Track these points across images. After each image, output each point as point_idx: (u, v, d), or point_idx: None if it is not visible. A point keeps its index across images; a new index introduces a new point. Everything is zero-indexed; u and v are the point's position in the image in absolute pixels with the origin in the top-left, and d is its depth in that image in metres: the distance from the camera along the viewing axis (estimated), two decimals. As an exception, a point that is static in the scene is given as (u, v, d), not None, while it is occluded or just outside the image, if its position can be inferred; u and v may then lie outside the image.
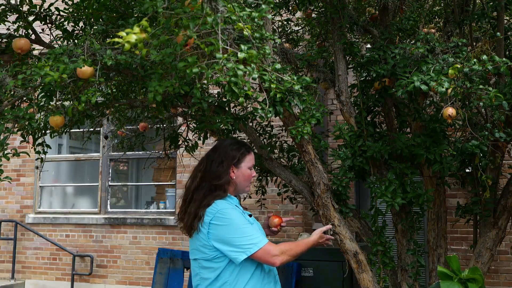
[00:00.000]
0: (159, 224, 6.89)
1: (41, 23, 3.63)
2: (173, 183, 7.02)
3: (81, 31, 3.68)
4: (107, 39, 3.20)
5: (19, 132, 2.98)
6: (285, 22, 4.77)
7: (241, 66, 2.06)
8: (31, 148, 3.23)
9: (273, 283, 2.46)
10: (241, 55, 2.07)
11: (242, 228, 2.27)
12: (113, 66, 2.79)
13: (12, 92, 2.77)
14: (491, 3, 3.37)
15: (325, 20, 4.08)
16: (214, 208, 2.30)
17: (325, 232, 2.71)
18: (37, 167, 7.48)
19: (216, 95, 3.29)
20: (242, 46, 2.18)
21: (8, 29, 3.47)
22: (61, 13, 3.60)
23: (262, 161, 3.60)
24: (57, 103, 2.90)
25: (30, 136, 3.12)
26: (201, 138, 3.47)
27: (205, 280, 2.34)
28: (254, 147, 3.79)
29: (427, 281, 4.52)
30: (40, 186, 7.66)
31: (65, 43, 3.66)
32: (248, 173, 2.44)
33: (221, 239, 2.27)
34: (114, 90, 3.65)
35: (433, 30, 4.07)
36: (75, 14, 3.57)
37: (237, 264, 2.29)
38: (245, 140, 3.97)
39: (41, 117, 2.82)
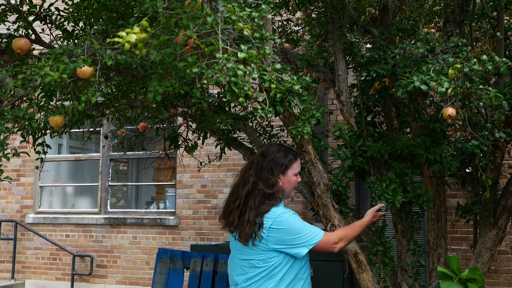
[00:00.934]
0: (159, 224, 6.89)
1: (41, 23, 3.63)
2: (173, 183, 7.02)
3: (81, 31, 3.68)
4: (107, 39, 3.20)
5: (19, 132, 2.97)
6: (285, 22, 4.77)
7: (241, 66, 2.06)
8: (31, 148, 3.23)
9: (310, 284, 2.54)
10: (241, 55, 2.07)
11: (302, 228, 2.37)
12: (113, 66, 2.79)
13: (12, 92, 2.77)
14: (491, 3, 3.37)
15: (325, 20, 4.07)
16: (274, 214, 2.36)
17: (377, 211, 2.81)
18: (37, 167, 7.48)
19: (216, 95, 3.29)
20: (242, 46, 2.18)
21: (8, 29, 3.47)
22: (61, 13, 3.60)
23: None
24: (57, 103, 2.90)
25: (30, 136, 3.12)
26: (201, 138, 3.47)
27: (251, 279, 2.40)
28: (254, 147, 3.80)
29: (427, 281, 4.52)
30: (40, 186, 7.66)
31: (65, 43, 3.66)
32: (294, 179, 2.49)
33: (282, 241, 2.35)
34: (114, 90, 3.65)
35: (433, 30, 4.07)
36: (75, 14, 3.57)
37: (287, 262, 2.38)
38: (245, 140, 3.98)
39: (41, 117, 2.82)
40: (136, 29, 1.70)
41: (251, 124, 4.07)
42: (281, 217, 2.35)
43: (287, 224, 2.35)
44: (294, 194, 2.70)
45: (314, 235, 2.38)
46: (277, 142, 4.22)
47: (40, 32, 3.58)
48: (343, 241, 2.47)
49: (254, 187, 2.40)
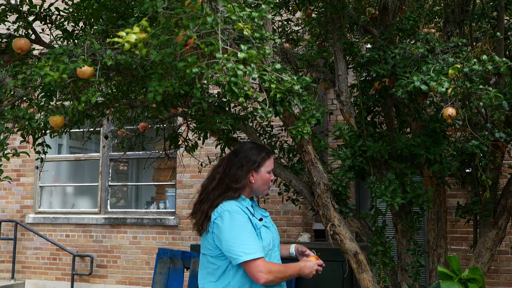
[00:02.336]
0: (159, 224, 6.89)
1: (41, 23, 3.63)
2: (173, 183, 7.02)
3: (81, 31, 3.68)
4: (107, 39, 3.20)
5: (19, 132, 2.97)
6: (285, 22, 4.77)
7: (241, 66, 2.06)
8: (31, 148, 3.23)
9: (278, 286, 2.44)
10: (241, 55, 2.07)
11: (239, 235, 2.26)
12: (113, 66, 2.79)
13: (12, 92, 2.77)
14: (491, 3, 3.37)
15: (325, 20, 4.07)
16: (221, 208, 2.32)
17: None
18: (37, 167, 7.48)
19: (216, 95, 3.29)
20: (242, 46, 2.18)
21: (8, 29, 3.47)
22: (61, 13, 3.60)
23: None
24: (57, 103, 2.90)
25: (30, 136, 3.12)
26: (201, 138, 3.47)
27: (211, 276, 2.37)
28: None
29: (427, 281, 4.52)
30: (40, 186, 7.66)
31: (65, 43, 3.66)
32: (267, 177, 2.47)
33: (219, 239, 2.30)
34: (114, 90, 3.65)
35: (433, 30, 4.07)
36: (75, 14, 3.57)
37: (238, 268, 2.31)
38: (244, 140, 3.97)
39: (41, 117, 2.82)
40: (136, 29, 1.70)
41: (251, 124, 4.07)
42: (225, 214, 2.29)
43: (227, 224, 2.27)
44: (269, 191, 2.65)
45: (248, 251, 2.23)
46: (280, 142, 4.22)
47: (40, 32, 3.58)
48: (271, 274, 2.25)
49: (220, 182, 2.39)
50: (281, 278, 2.33)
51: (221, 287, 2.33)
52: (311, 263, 2.48)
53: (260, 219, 2.43)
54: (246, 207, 2.39)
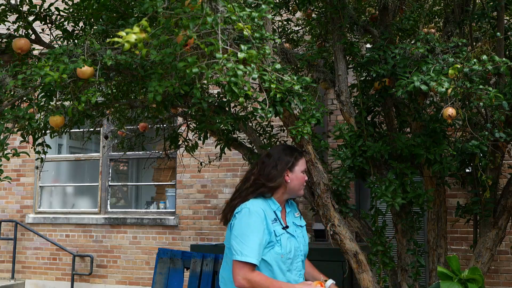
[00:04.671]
0: (159, 224, 6.89)
1: (41, 23, 3.63)
2: (173, 183, 7.02)
3: (81, 31, 3.68)
4: (107, 39, 3.20)
5: (19, 132, 2.98)
6: (285, 22, 4.77)
7: (241, 66, 2.06)
8: (31, 148, 3.23)
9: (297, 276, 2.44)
10: (241, 55, 2.08)
11: (245, 234, 2.28)
12: (113, 66, 2.79)
13: (12, 92, 2.77)
14: (491, 3, 3.37)
15: (325, 20, 4.07)
16: (245, 205, 2.36)
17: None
18: (37, 167, 7.48)
19: (216, 95, 3.29)
20: (242, 46, 2.18)
21: (8, 29, 3.47)
22: (61, 13, 3.60)
23: (262, 161, 3.59)
24: (57, 103, 2.90)
25: (30, 136, 3.12)
26: (201, 138, 3.47)
27: (227, 264, 2.44)
28: (254, 147, 3.79)
29: (427, 281, 4.52)
30: (40, 186, 7.66)
31: (65, 43, 3.66)
32: (302, 176, 2.49)
33: (231, 231, 2.35)
34: (114, 90, 3.65)
35: (433, 30, 4.07)
36: (75, 14, 3.57)
37: None
38: (245, 140, 3.98)
39: (41, 117, 2.82)
40: (136, 29, 1.70)
41: (251, 124, 4.07)
42: (244, 211, 2.32)
43: (242, 220, 2.31)
44: (304, 193, 2.65)
45: (243, 252, 2.24)
46: (279, 142, 4.22)
47: (40, 32, 3.58)
48: (248, 282, 2.22)
49: (255, 182, 2.42)
50: None
51: (229, 275, 2.39)
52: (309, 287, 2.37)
53: (286, 227, 2.42)
54: (274, 211, 2.40)
